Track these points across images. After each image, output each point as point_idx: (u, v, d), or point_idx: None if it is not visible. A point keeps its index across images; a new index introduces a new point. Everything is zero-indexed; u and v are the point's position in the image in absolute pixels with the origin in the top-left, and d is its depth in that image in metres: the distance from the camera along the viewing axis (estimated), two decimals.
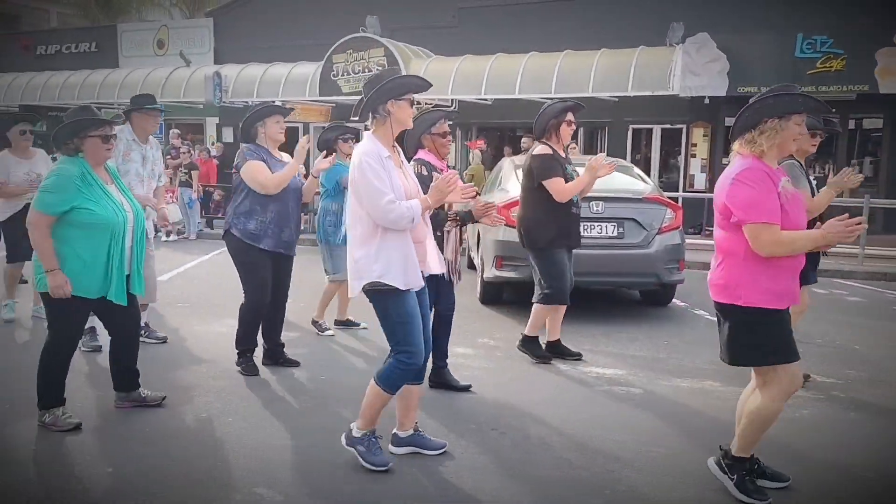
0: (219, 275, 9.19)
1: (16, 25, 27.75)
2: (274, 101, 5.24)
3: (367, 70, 14.57)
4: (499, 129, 16.27)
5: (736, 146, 3.27)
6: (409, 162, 4.06)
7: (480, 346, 6.03)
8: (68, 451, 3.78)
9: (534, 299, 5.51)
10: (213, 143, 17.91)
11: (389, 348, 3.57)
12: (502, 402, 4.62)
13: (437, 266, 3.71)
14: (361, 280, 3.47)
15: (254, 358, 5.20)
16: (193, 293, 8.25)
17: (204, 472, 3.58)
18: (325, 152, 5.85)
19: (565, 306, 5.54)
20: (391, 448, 3.76)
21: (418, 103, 3.74)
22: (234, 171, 5.07)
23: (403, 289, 3.42)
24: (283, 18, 17.54)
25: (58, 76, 18.35)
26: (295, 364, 5.33)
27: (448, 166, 4.63)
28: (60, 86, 18.03)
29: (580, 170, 5.43)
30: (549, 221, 5.29)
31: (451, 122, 4.69)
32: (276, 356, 5.32)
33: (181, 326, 6.49)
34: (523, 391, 4.88)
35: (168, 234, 12.58)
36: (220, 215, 14.87)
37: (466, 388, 4.80)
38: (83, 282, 3.91)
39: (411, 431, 3.80)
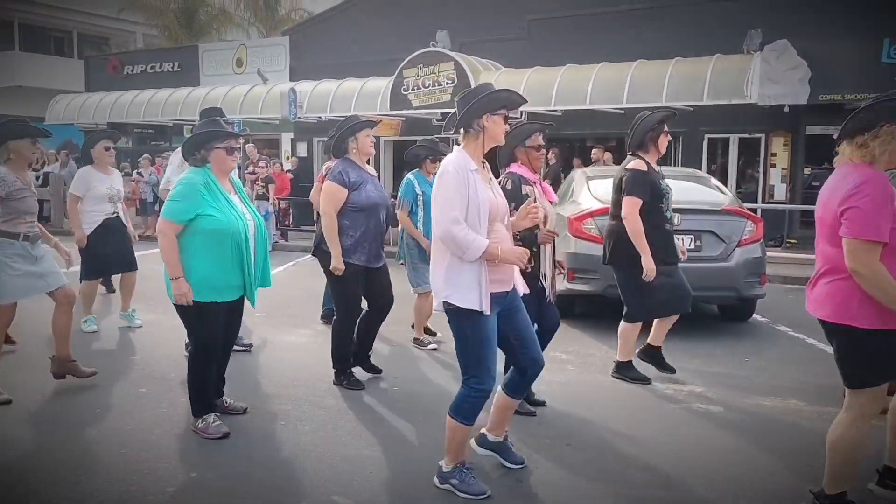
0: (294, 286, 9.40)
1: (105, 47, 29.25)
2: (359, 116, 5.32)
3: (436, 84, 14.71)
4: (568, 140, 16.12)
5: (847, 151, 3.04)
6: (499, 174, 4.09)
7: (552, 360, 5.93)
8: (154, 456, 3.91)
9: (623, 319, 5.28)
10: (287, 158, 18.38)
11: (507, 358, 3.59)
12: (576, 418, 4.56)
13: (522, 286, 3.62)
14: (437, 296, 3.45)
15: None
16: (269, 303, 8.44)
17: (282, 478, 3.65)
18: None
19: (677, 316, 5.26)
20: (473, 445, 3.75)
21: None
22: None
23: (477, 310, 3.31)
24: (355, 35, 17.90)
25: (143, 94, 19.20)
26: (377, 371, 5.36)
27: (541, 179, 4.56)
28: (145, 104, 18.86)
29: (674, 183, 5.32)
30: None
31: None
32: (362, 362, 5.35)
33: (258, 335, 6.66)
34: (597, 407, 4.79)
35: None
36: (295, 227, 15.24)
37: (541, 404, 4.73)
38: (210, 287, 4.01)
39: (500, 439, 3.79)
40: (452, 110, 3.63)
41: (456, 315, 3.36)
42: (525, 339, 3.57)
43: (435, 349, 6.22)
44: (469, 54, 15.10)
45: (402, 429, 4.37)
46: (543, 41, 15.36)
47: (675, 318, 5.30)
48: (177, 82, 20.00)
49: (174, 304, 4.09)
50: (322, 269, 5.22)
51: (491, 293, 3.34)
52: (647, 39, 14.19)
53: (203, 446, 4.05)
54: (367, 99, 15.72)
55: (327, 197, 4.94)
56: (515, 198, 4.16)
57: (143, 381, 5.25)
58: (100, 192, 6.59)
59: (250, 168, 14.93)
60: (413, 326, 6.46)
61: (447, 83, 14.55)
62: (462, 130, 3.45)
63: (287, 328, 6.98)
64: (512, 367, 3.69)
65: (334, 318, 5.21)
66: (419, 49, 14.99)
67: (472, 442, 3.76)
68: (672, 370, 5.37)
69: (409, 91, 15.07)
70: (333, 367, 5.18)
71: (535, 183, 4.43)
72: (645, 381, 5.25)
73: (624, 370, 5.35)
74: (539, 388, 5.00)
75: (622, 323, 5.28)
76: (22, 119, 4.98)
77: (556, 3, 15.49)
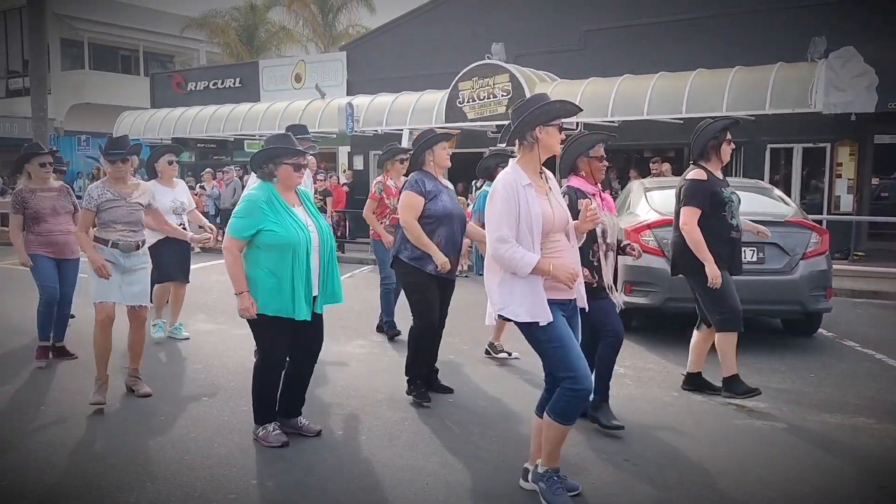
0: (351, 297, 9.49)
1: (170, 64, 30.28)
2: (435, 129, 5.42)
3: (491, 96, 14.75)
4: (625, 151, 15.94)
5: None
6: (561, 185, 4.05)
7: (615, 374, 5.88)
8: (216, 463, 4.01)
9: (716, 327, 5.06)
10: (344, 171, 18.66)
11: (545, 377, 3.53)
12: (634, 433, 4.48)
13: (582, 300, 3.57)
14: (493, 308, 3.45)
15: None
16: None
17: (339, 488, 3.69)
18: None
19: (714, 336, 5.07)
20: (521, 483, 3.66)
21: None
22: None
23: (529, 321, 3.32)
24: (411, 49, 18.11)
25: (205, 110, 19.78)
26: (448, 391, 5.26)
27: (602, 190, 4.53)
28: (208, 119, 19.42)
29: (743, 194, 5.23)
30: (708, 248, 4.92)
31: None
32: (429, 382, 5.26)
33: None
34: (656, 421, 4.71)
35: None
36: (351, 240, 15.45)
37: (619, 427, 4.51)
38: (275, 301, 4.06)
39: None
40: (507, 122, 3.64)
41: (526, 327, 3.36)
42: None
43: (507, 357, 6.21)
44: (524, 66, 15.11)
45: (459, 441, 4.37)
46: (599, 52, 15.26)
47: (712, 339, 5.12)
48: (238, 98, 20.54)
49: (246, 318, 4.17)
50: (399, 278, 5.26)
51: (552, 299, 3.34)
52: (707, 48, 13.96)
53: (263, 455, 4.13)
54: (423, 112, 15.86)
55: (405, 206, 5.03)
56: (573, 212, 4.12)
57: (205, 390, 5.39)
58: (164, 204, 6.74)
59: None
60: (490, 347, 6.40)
61: (502, 95, 14.58)
62: (517, 143, 3.45)
63: (344, 339, 7.07)
64: (545, 387, 3.58)
65: (411, 325, 5.21)
66: (474, 62, 15.06)
67: (521, 480, 3.66)
68: (719, 390, 5.16)
69: (465, 103, 15.14)
70: (406, 375, 5.17)
71: (594, 195, 4.38)
72: (755, 392, 5.00)
73: (730, 385, 5.07)
74: None
75: (717, 336, 5.06)
76: (112, 141, 5.23)
77: (612, 13, 15.39)
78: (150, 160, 7.08)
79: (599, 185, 4.50)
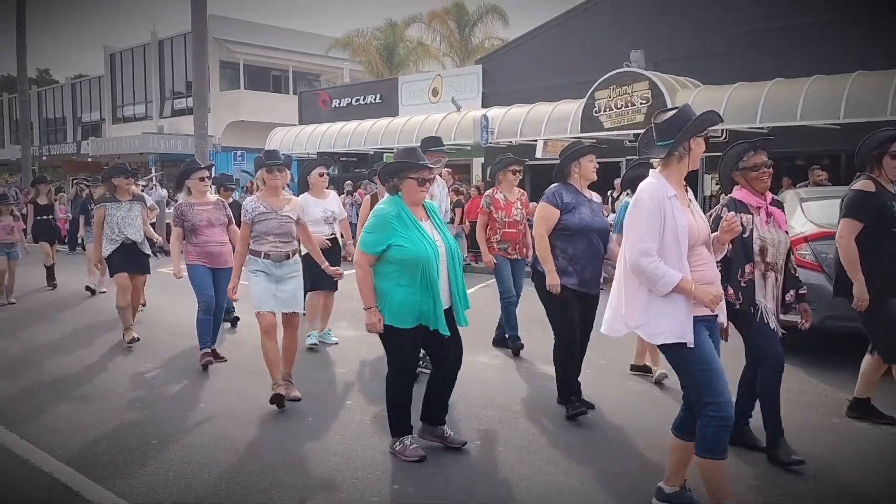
0: (486, 306, 9.56)
1: (316, 83, 31.88)
2: (583, 141, 5.40)
3: (630, 105, 14.40)
4: (775, 158, 15.05)
5: None
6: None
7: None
8: (360, 465, 4.15)
9: (874, 352, 4.73)
10: (478, 183, 18.85)
11: (684, 396, 3.41)
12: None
13: (723, 315, 3.45)
14: (629, 325, 3.32)
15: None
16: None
17: (480, 500, 3.72)
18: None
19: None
20: (654, 502, 3.54)
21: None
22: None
23: (673, 341, 3.18)
24: (546, 60, 18.05)
25: (348, 125, 20.65)
26: (589, 406, 5.10)
27: (774, 202, 4.22)
28: (350, 134, 20.26)
29: None
30: (873, 267, 4.49)
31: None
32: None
33: None
34: (812, 449, 4.37)
35: None
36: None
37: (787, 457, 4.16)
38: (402, 314, 4.10)
39: (677, 488, 3.51)
40: (644, 130, 3.57)
41: (669, 348, 3.24)
42: None
43: (650, 374, 5.94)
44: (665, 72, 14.65)
45: (598, 457, 4.28)
46: (746, 55, 14.54)
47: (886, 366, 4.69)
48: (378, 113, 21.29)
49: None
50: (537, 293, 5.21)
51: (696, 316, 3.21)
52: (865, 49, 12.94)
53: (405, 461, 4.23)
54: (558, 122, 15.74)
55: (538, 218, 5.02)
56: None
57: (349, 395, 5.61)
58: (315, 215, 7.06)
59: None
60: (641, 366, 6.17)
61: (641, 103, 14.20)
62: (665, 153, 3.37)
63: (480, 349, 7.11)
64: (683, 405, 3.45)
65: (554, 344, 5.14)
66: (612, 70, 14.79)
67: (653, 500, 3.52)
68: (893, 420, 4.74)
69: (601, 113, 14.88)
70: (559, 394, 5.15)
71: (759, 208, 4.11)
72: (890, 420, 4.69)
73: (860, 407, 4.83)
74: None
75: (868, 357, 4.78)
76: (272, 153, 5.59)
77: (759, 15, 14.63)
78: (302, 173, 7.44)
79: (767, 195, 4.19)
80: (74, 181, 20.70)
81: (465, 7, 27.80)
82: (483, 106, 18.83)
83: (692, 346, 3.17)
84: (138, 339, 7.25)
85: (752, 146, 4.19)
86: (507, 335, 7.04)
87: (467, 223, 15.09)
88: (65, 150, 34.83)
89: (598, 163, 5.30)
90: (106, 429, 4.80)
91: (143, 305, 8.96)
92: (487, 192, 6.95)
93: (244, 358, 6.73)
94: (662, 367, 5.74)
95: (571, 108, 15.60)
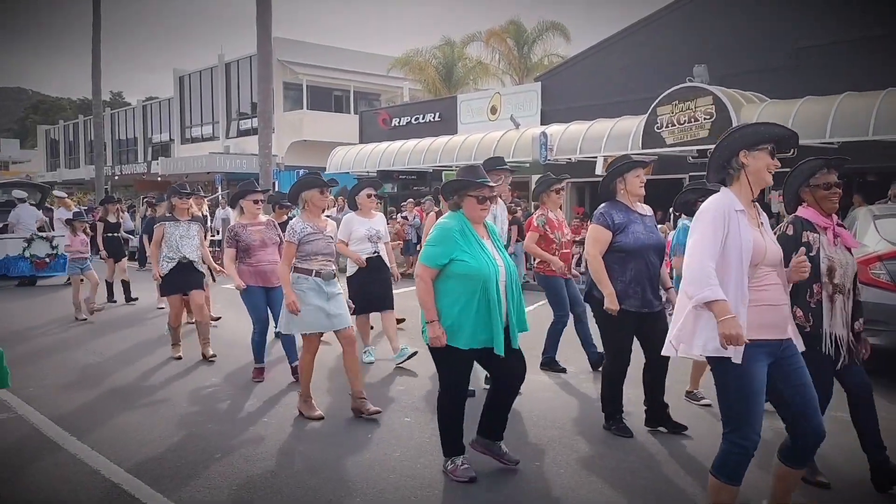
0: (544, 325, 9.47)
1: (376, 102, 32.37)
2: (630, 156, 5.20)
3: (693, 120, 14.15)
4: (846, 174, 14.57)
5: None
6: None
7: (838, 421, 5.33)
8: (418, 483, 4.14)
9: None
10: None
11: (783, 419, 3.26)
12: (863, 491, 4.01)
13: (798, 341, 3.29)
14: (680, 339, 3.19)
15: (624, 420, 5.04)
16: (521, 342, 8.59)
17: None
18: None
19: None
20: None
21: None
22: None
23: (714, 354, 3.05)
24: (606, 76, 17.91)
25: (408, 144, 20.87)
26: (682, 428, 4.97)
27: (838, 224, 4.02)
28: (410, 152, 20.46)
29: None
30: None
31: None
32: (658, 418, 5.04)
33: None
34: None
35: None
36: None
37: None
38: (462, 332, 4.05)
39: None
40: (710, 147, 3.46)
41: (720, 364, 3.10)
42: (800, 402, 3.16)
43: (709, 405, 5.69)
44: (729, 87, 14.35)
45: (660, 482, 4.17)
46: (814, 69, 14.13)
47: None
48: (437, 131, 21.46)
49: (428, 346, 4.18)
50: (593, 314, 5.13)
51: (757, 339, 3.05)
52: None
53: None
54: (618, 139, 15.57)
55: (591, 240, 4.92)
56: (796, 245, 3.78)
57: (407, 411, 5.62)
58: (359, 233, 7.22)
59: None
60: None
61: (705, 119, 13.93)
62: (723, 176, 3.28)
63: (538, 367, 7.04)
64: (787, 429, 3.30)
65: (604, 360, 5.16)
66: (674, 85, 14.57)
67: None
68: None
69: (663, 129, 14.65)
70: (603, 411, 5.09)
71: (826, 228, 3.93)
72: None
73: None
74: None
75: None
76: (315, 173, 5.65)
77: (827, 27, 14.21)
78: (351, 193, 7.55)
79: (834, 216, 4.00)
80: (145, 199, 21.47)
81: (523, 25, 27.86)
82: (542, 123, 18.78)
83: (738, 361, 3.02)
84: (180, 358, 7.48)
85: (827, 163, 3.99)
86: (547, 357, 7.01)
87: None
88: (136, 170, 36.19)
89: (660, 179, 5.17)
90: (171, 441, 4.92)
91: (216, 320, 9.18)
92: (540, 212, 6.84)
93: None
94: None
95: (632, 125, 15.41)
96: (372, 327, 7.91)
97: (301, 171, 23.28)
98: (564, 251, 6.75)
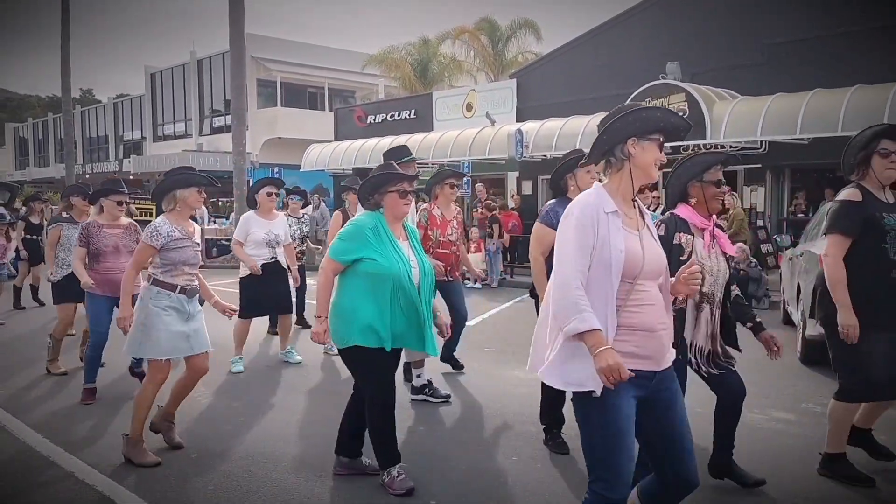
0: (520, 321, 9.52)
1: (352, 99, 32.25)
2: (582, 150, 4.77)
3: None
4: (816, 170, 14.78)
5: None
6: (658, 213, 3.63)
7: (804, 413, 5.43)
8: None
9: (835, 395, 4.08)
10: (512, 196, 18.84)
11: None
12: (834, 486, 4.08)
13: (669, 359, 2.73)
14: (534, 366, 2.73)
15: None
16: (498, 338, 8.64)
17: None
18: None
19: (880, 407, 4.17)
20: None
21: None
22: None
23: (578, 389, 2.55)
24: (581, 73, 18.01)
25: (383, 141, 20.76)
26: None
27: (717, 224, 3.77)
28: (385, 149, 20.37)
29: None
30: (857, 290, 3.86)
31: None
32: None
33: (488, 371, 6.79)
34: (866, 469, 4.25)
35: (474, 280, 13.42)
36: (520, 265, 15.52)
37: (760, 483, 3.90)
38: (371, 334, 3.85)
39: None
40: (682, 143, 3.20)
41: (576, 396, 2.61)
42: (674, 447, 2.67)
43: None
44: (702, 84, 14.51)
45: (636, 475, 4.20)
46: (785, 66, 14.32)
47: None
48: (413, 128, 21.43)
49: (339, 353, 4.00)
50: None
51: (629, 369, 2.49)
52: None
53: (436, 473, 4.21)
54: (593, 135, 15.17)
55: (533, 238, 4.62)
56: (667, 248, 3.36)
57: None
58: (258, 236, 6.85)
59: (478, 207, 15.54)
60: None
61: None
62: (602, 163, 2.75)
63: (514, 364, 7.07)
64: (653, 473, 2.80)
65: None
66: (647, 82, 14.70)
67: None
68: (891, 456, 4.27)
69: None
70: (541, 423, 4.79)
71: (703, 230, 3.67)
72: (867, 482, 3.98)
73: (833, 466, 4.08)
74: (787, 442, 4.57)
75: (832, 401, 4.08)
76: (189, 168, 4.87)
77: (798, 24, 14.41)
78: (251, 191, 7.10)
79: (714, 217, 3.73)
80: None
81: (497, 23, 27.91)
82: (517, 120, 18.83)
83: (598, 395, 2.52)
84: (66, 373, 6.81)
85: (720, 159, 3.77)
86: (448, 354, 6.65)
87: (507, 237, 15.09)
88: (107, 168, 35.65)
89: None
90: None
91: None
92: (424, 207, 6.48)
93: (280, 373, 6.78)
94: None
95: None
96: (300, 326, 7.76)
97: (276, 169, 23.15)
98: (441, 251, 6.29)
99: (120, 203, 6.02)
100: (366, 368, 3.95)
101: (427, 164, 19.16)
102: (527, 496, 3.93)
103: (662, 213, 3.95)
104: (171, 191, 4.60)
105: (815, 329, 6.50)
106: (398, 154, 5.68)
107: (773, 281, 11.26)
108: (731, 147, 13.44)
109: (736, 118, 13.41)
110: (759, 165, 14.67)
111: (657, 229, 3.27)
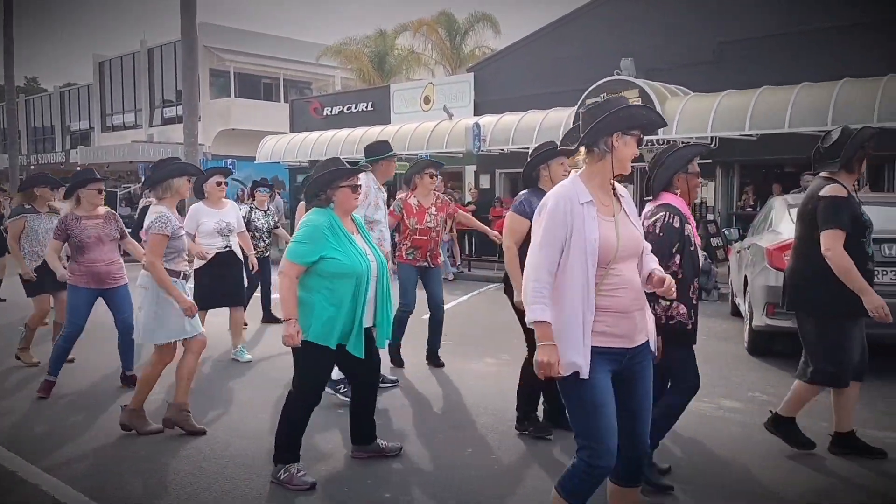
0: (478, 315, 9.59)
1: (308, 91, 31.89)
2: (555, 143, 4.79)
3: None
4: (764, 165, 15.18)
5: None
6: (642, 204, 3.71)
7: (750, 401, 5.58)
8: (358, 474, 4.13)
9: (796, 374, 4.41)
10: (470, 190, 18.92)
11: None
12: (780, 474, 4.22)
13: (654, 344, 3.01)
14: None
15: None
16: (455, 331, 8.67)
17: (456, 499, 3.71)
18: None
19: (857, 388, 4.34)
20: None
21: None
22: None
23: (567, 373, 2.75)
24: (537, 68, 18.13)
25: (340, 133, 20.64)
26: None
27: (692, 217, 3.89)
28: (342, 141, 20.24)
29: (882, 210, 4.66)
30: (829, 281, 4.06)
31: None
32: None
33: (446, 363, 6.81)
34: (807, 458, 4.40)
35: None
36: (477, 258, 15.61)
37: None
38: (329, 332, 3.87)
39: None
40: (575, 125, 3.19)
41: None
42: (633, 416, 2.92)
43: None
44: (655, 80, 14.76)
45: None
46: (735, 64, 14.64)
47: (856, 392, 4.35)
48: (370, 121, 21.30)
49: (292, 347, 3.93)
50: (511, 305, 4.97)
51: (601, 346, 2.78)
52: (853, 56, 13.06)
53: (392, 466, 4.21)
54: (549, 130, 15.78)
55: (506, 228, 4.67)
56: (680, 238, 3.65)
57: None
58: (208, 226, 6.71)
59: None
60: None
61: None
62: (584, 150, 2.89)
63: (472, 357, 7.11)
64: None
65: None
66: (602, 78, 14.88)
67: None
68: (883, 454, 4.33)
69: None
70: (517, 411, 4.84)
71: (688, 219, 3.79)
72: (808, 446, 4.39)
73: (782, 426, 4.44)
74: (735, 430, 4.69)
75: (803, 384, 4.32)
76: (176, 158, 4.91)
77: (748, 24, 14.75)
78: (198, 181, 6.81)
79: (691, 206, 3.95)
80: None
81: (454, 16, 27.90)
82: (475, 114, 18.88)
83: (586, 377, 2.74)
84: (38, 364, 6.74)
85: (700, 151, 4.00)
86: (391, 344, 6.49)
87: (455, 231, 15.13)
88: (53, 160, 34.62)
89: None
90: (96, 444, 4.77)
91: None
92: (400, 196, 6.60)
93: (241, 366, 6.70)
94: None
95: (563, 116, 15.66)
96: (246, 325, 7.64)
97: (229, 161, 22.80)
98: (419, 237, 6.42)
99: (100, 191, 5.87)
100: (310, 364, 3.97)
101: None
102: (483, 488, 3.96)
103: (642, 203, 4.01)
104: (167, 179, 4.76)
105: (761, 320, 6.70)
106: (380, 149, 5.72)
107: (723, 273, 11.54)
108: (682, 143, 13.71)
109: (688, 114, 13.68)
110: (710, 161, 14.99)
111: (671, 220, 3.63)
